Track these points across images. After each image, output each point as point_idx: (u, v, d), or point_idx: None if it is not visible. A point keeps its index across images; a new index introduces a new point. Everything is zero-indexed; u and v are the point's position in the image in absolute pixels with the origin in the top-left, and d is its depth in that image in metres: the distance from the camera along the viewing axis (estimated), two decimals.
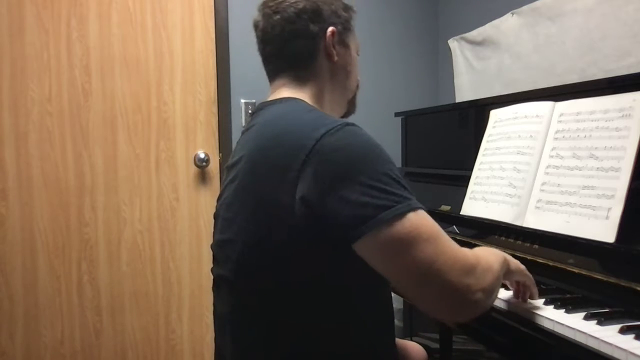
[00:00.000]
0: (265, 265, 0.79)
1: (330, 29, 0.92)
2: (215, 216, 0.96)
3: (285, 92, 0.93)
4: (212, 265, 0.95)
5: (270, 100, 0.93)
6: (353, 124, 0.78)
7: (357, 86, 1.04)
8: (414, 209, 0.72)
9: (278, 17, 0.91)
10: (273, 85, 0.97)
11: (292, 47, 0.92)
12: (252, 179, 0.80)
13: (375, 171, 0.72)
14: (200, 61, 2.11)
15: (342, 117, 1.04)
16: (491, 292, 0.76)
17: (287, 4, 0.91)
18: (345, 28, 0.97)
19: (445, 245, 0.72)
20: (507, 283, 0.97)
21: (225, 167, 0.97)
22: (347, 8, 0.99)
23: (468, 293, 0.72)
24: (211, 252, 0.95)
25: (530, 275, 0.93)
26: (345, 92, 1.00)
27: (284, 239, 0.76)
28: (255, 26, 0.96)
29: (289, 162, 0.74)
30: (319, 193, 0.72)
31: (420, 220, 0.72)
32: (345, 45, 0.97)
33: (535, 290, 0.94)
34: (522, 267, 0.91)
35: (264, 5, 0.94)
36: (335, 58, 0.94)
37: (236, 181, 0.84)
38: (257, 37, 0.96)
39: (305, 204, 0.73)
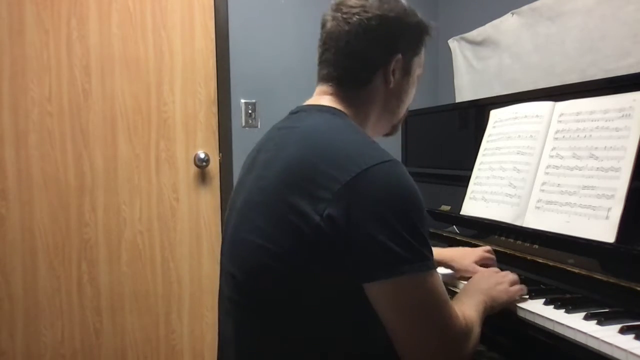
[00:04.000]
0: (275, 272, 0.77)
1: (396, 57, 0.88)
2: (231, 206, 0.92)
3: (329, 100, 0.89)
4: (219, 256, 0.94)
5: (314, 105, 0.89)
6: (398, 162, 0.76)
7: (407, 110, 0.99)
8: (430, 271, 0.73)
9: (346, 28, 0.85)
10: (319, 88, 0.92)
11: (350, 64, 0.87)
12: (285, 186, 0.77)
13: (408, 220, 0.72)
14: (200, 61, 2.10)
15: (384, 135, 1.00)
16: (471, 354, 0.79)
17: (360, 17, 0.84)
18: (414, 54, 0.92)
19: (448, 314, 0.75)
20: None
21: (250, 155, 0.93)
22: (423, 31, 0.92)
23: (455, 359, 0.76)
24: (211, 252, 0.94)
25: (511, 298, 0.95)
26: (392, 117, 0.96)
27: (300, 250, 0.74)
28: (323, 24, 0.90)
29: (327, 181, 0.72)
30: (349, 221, 0.71)
31: (433, 284, 0.73)
32: (407, 71, 0.91)
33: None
34: (506, 298, 0.93)
35: (338, 8, 0.87)
36: (392, 85, 0.89)
37: (266, 181, 0.81)
38: (321, 35, 0.91)
39: (332, 224, 0.71)
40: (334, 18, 0.87)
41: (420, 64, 0.95)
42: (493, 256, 1.14)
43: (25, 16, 1.86)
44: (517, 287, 0.97)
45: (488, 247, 1.16)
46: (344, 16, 0.85)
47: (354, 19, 0.85)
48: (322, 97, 0.90)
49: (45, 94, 1.90)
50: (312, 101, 0.91)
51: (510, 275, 0.99)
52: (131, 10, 1.99)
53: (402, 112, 0.97)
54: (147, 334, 2.06)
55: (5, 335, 1.86)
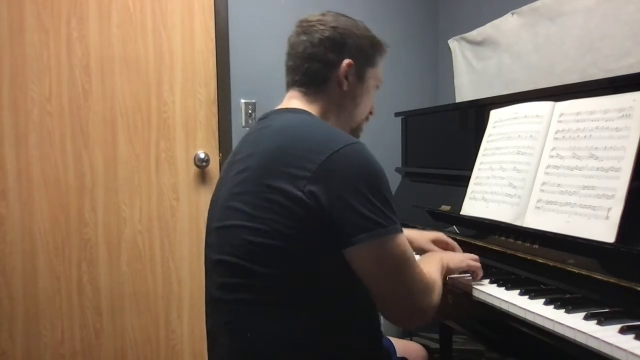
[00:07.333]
0: (265, 250, 0.83)
1: (347, 61, 0.99)
2: (213, 205, 0.99)
3: (296, 103, 1.00)
4: (205, 252, 0.99)
5: (283, 108, 1.00)
6: (362, 143, 0.87)
7: (367, 118, 1.09)
8: (400, 234, 0.84)
9: (304, 37, 0.99)
10: (287, 95, 1.04)
11: (308, 66, 0.99)
12: (265, 173, 0.85)
13: (378, 191, 0.83)
14: (200, 61, 2.11)
15: None
16: (437, 306, 0.91)
17: (316, 29, 0.99)
18: (366, 63, 1.03)
19: (417, 269, 0.87)
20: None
21: (227, 161, 1.01)
22: (377, 46, 1.05)
23: (426, 311, 0.88)
24: None
25: (470, 262, 1.08)
26: (349, 120, 1.05)
27: (287, 227, 0.82)
28: (288, 40, 1.04)
29: (305, 162, 0.82)
30: (328, 195, 0.80)
31: (404, 244, 0.85)
32: (361, 78, 1.02)
33: (479, 273, 1.09)
34: (459, 260, 1.07)
35: (299, 23, 1.02)
36: (345, 88, 1.00)
37: (246, 173, 0.88)
38: (287, 50, 1.04)
39: (314, 199, 0.80)
40: (295, 32, 1.02)
41: (375, 77, 1.06)
42: (448, 239, 1.24)
43: (25, 16, 1.86)
44: (473, 261, 1.09)
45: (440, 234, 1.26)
46: (303, 29, 1.01)
47: (311, 29, 0.99)
48: (290, 101, 1.01)
49: (45, 94, 1.90)
50: (280, 106, 1.02)
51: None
52: (131, 10, 1.99)
53: (360, 116, 1.07)
54: (147, 334, 2.06)
55: (5, 335, 1.86)
